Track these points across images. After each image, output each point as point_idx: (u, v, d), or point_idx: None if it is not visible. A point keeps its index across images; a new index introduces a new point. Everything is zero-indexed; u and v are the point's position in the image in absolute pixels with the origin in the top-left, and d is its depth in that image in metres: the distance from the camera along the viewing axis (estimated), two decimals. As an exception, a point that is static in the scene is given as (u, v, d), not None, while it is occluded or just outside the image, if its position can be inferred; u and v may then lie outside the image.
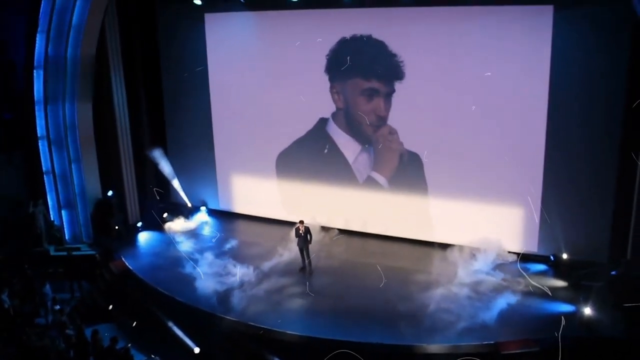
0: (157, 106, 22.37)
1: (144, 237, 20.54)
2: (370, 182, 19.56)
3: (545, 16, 15.91)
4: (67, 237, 20.16)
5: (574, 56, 15.82)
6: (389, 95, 18.55)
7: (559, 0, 15.72)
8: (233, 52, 20.52)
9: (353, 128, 19.40)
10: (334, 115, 19.59)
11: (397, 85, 18.29)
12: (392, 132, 18.85)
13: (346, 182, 19.85)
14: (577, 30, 15.68)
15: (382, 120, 18.85)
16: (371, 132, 19.13)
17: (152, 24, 21.56)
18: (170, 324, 15.69)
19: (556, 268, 17.00)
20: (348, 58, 18.58)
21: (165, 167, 22.05)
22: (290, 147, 20.60)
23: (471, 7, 16.77)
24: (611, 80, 15.46)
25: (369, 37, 18.26)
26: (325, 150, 19.88)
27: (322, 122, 19.79)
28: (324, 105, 19.58)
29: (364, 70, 18.62)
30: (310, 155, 20.29)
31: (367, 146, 19.40)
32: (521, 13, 16.33)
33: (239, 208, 22.28)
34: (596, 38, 15.44)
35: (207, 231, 21.12)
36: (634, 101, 14.76)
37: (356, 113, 19.13)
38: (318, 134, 19.95)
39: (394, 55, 18.07)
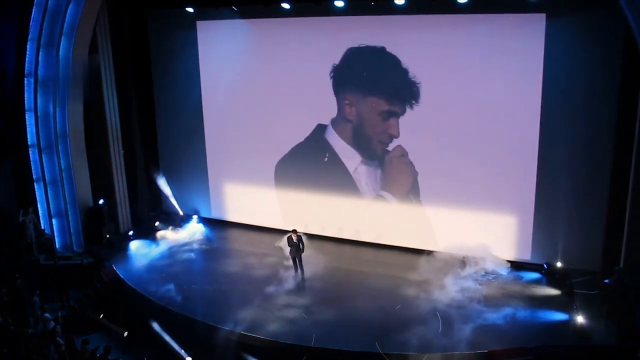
0: (149, 113, 22.32)
1: (135, 246, 20.36)
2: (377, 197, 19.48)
3: (537, 24, 15.94)
4: (57, 246, 19.97)
5: (566, 63, 15.86)
6: (402, 114, 18.38)
7: (551, 8, 15.76)
8: (225, 59, 20.47)
9: (361, 142, 19.12)
10: (333, 122, 19.42)
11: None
12: (404, 153, 18.62)
13: (340, 188, 19.75)
14: (570, 37, 15.74)
15: (393, 138, 18.63)
16: (380, 149, 18.92)
17: (144, 31, 21.51)
18: (162, 333, 15.59)
19: (549, 276, 16.96)
20: (364, 74, 18.48)
21: (157, 175, 22.00)
22: (287, 154, 20.48)
23: (463, 16, 16.76)
24: (604, 87, 15.49)
25: (373, 47, 18.13)
26: (326, 159, 19.74)
27: (320, 129, 19.67)
28: (321, 111, 19.47)
29: (386, 91, 18.31)
30: (307, 163, 20.19)
31: (374, 162, 19.14)
32: (513, 21, 16.36)
33: (231, 216, 22.20)
34: (588, 45, 15.49)
35: (198, 239, 21.03)
36: (627, 108, 14.83)
37: (369, 129, 18.85)
38: (316, 141, 19.82)
39: (413, 77, 17.80)
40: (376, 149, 19.00)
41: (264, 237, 20.60)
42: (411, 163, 18.63)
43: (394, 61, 17.95)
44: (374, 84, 18.47)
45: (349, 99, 18.95)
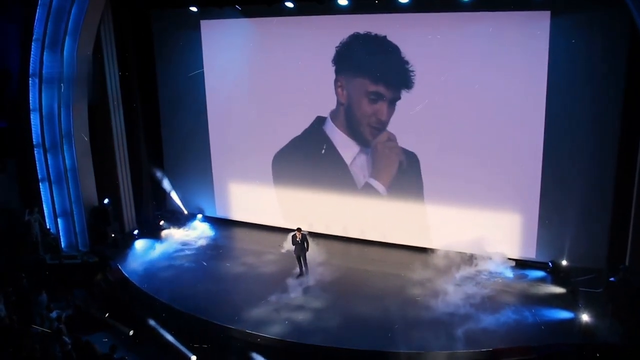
0: (153, 113, 22.34)
1: (140, 245, 20.41)
2: (368, 188, 19.44)
3: (542, 22, 15.90)
4: (63, 245, 20.02)
5: (571, 61, 15.82)
6: (393, 101, 18.39)
7: (555, 5, 15.71)
8: (229, 58, 20.49)
9: (352, 127, 19.20)
10: (332, 113, 19.40)
11: (403, 93, 18.21)
12: (391, 138, 18.70)
13: (344, 186, 19.73)
14: (575, 35, 15.68)
15: (382, 124, 18.69)
16: (369, 134, 18.97)
17: (148, 31, 21.53)
18: (167, 332, 15.61)
19: (554, 274, 16.92)
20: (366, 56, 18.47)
21: (162, 174, 22.04)
22: (285, 147, 20.48)
23: (467, 13, 16.72)
24: (609, 85, 15.44)
25: (375, 35, 18.15)
26: (323, 151, 19.72)
27: (320, 121, 19.66)
28: (321, 104, 19.46)
29: (374, 72, 18.40)
30: (306, 157, 20.18)
31: (365, 149, 19.22)
32: (518, 19, 16.32)
33: (236, 215, 22.20)
34: (593, 43, 15.45)
35: (202, 239, 21.04)
36: (632, 106, 14.76)
37: (357, 112, 18.94)
38: (315, 134, 19.81)
39: (406, 63, 17.89)
40: (366, 134, 18.99)
41: (269, 236, 20.64)
42: (397, 148, 18.67)
43: (394, 52, 17.96)
44: (369, 69, 18.47)
45: (341, 81, 18.99)
